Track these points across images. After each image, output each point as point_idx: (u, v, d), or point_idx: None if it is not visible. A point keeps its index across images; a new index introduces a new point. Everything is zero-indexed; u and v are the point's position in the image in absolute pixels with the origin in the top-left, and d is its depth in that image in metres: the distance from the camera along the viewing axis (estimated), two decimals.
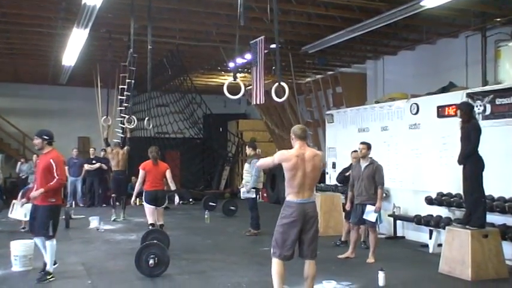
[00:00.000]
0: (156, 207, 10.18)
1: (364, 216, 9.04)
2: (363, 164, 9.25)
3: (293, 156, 5.93)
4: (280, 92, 7.92)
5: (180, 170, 22.85)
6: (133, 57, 12.13)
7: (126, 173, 14.63)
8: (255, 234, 11.87)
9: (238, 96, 8.40)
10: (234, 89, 7.97)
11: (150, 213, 10.16)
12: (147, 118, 12.99)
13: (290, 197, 5.99)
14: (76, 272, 8.28)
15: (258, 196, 12.35)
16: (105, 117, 15.50)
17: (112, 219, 13.85)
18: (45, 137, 7.69)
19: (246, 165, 12.26)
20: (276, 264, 6.00)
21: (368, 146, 9.33)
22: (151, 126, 13.08)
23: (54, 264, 7.78)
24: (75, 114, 21.99)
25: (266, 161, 6.60)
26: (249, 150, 12.18)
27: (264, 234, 11.39)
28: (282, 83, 7.89)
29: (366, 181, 9.09)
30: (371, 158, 9.31)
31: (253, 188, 11.88)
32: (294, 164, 5.90)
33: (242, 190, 12.19)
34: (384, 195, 11.18)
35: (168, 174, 10.41)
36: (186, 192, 19.73)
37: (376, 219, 9.04)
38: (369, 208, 8.99)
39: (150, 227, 10.00)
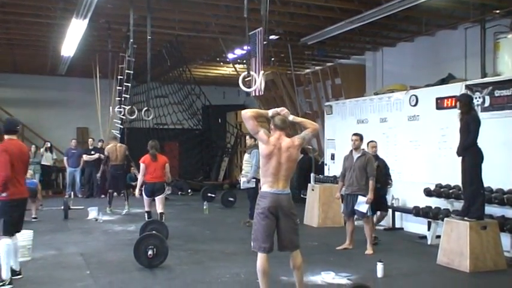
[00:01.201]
0: (154, 198, 10.80)
1: (355, 207, 9.09)
2: (355, 155, 9.32)
3: (271, 144, 5.86)
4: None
5: (178, 161, 22.90)
6: (132, 48, 12.11)
7: (124, 167, 14.40)
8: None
9: (252, 89, 8.43)
10: (235, 80, 7.98)
11: (147, 204, 10.97)
12: (145, 109, 12.98)
13: (264, 187, 5.92)
14: (75, 262, 8.29)
15: (258, 187, 12.34)
16: (114, 107, 15.57)
17: (107, 211, 13.70)
18: (2, 126, 7.12)
19: (246, 156, 12.20)
20: (259, 259, 5.83)
21: (361, 137, 9.43)
22: (151, 117, 13.06)
23: (18, 275, 7.04)
24: (74, 105, 21.93)
25: (254, 124, 6.05)
26: (249, 141, 12.18)
27: None
28: (252, 73, 7.91)
29: (357, 172, 9.15)
30: (363, 149, 9.44)
31: (253, 178, 11.87)
32: (270, 152, 5.84)
33: (242, 180, 12.11)
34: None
35: (167, 167, 10.98)
36: (184, 183, 19.79)
37: (367, 211, 9.08)
38: (360, 199, 9.04)
39: (146, 214, 10.94)
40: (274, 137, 5.95)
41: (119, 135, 17.48)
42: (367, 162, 9.17)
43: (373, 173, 9.16)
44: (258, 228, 5.85)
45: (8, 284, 6.70)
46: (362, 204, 9.02)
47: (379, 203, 9.89)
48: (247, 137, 12.58)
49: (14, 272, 6.97)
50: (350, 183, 9.25)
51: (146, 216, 10.93)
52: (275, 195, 5.82)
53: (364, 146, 9.82)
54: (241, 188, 12.44)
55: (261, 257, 5.82)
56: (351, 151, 9.45)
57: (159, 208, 10.75)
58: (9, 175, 6.65)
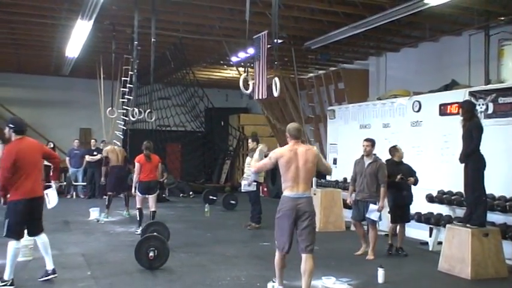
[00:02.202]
0: (148, 195, 11.23)
1: (367, 215, 9.05)
2: (367, 160, 9.25)
3: (286, 151, 6.26)
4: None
5: (181, 162, 22.94)
6: (137, 49, 12.12)
7: (125, 168, 14.01)
8: (255, 228, 11.93)
9: (249, 91, 8.46)
10: (238, 83, 7.99)
11: (140, 201, 11.28)
12: (148, 111, 12.95)
13: (285, 192, 6.26)
14: (76, 263, 8.30)
15: (259, 190, 12.37)
16: (110, 108, 15.54)
17: (102, 218, 12.94)
18: (11, 125, 7.00)
19: (248, 159, 12.31)
20: (277, 256, 6.36)
21: (372, 143, 9.32)
22: (153, 119, 13.04)
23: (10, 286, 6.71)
24: (78, 106, 21.99)
25: (264, 163, 6.67)
26: (252, 144, 12.26)
27: (264, 229, 11.43)
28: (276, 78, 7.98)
29: (368, 178, 9.08)
30: (375, 155, 9.32)
31: (254, 182, 11.94)
32: (288, 159, 6.19)
33: (243, 183, 12.24)
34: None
35: (160, 167, 12.07)
36: (185, 185, 19.79)
37: (379, 218, 9.07)
38: (372, 207, 8.98)
39: (138, 211, 11.29)
40: (289, 146, 6.37)
41: (122, 137, 17.52)
42: (378, 168, 9.07)
43: (384, 180, 9.04)
44: (278, 230, 6.30)
45: (10, 285, 6.67)
46: (374, 212, 8.97)
47: (404, 214, 9.47)
48: (250, 140, 12.68)
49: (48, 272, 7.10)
50: (361, 190, 9.20)
51: (138, 213, 11.29)
52: (294, 199, 6.18)
53: (381, 151, 9.76)
54: (242, 190, 12.53)
55: (279, 255, 6.35)
56: (362, 156, 9.39)
57: (152, 206, 11.21)
58: (8, 178, 6.65)
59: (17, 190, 6.71)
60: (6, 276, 6.72)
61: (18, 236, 6.80)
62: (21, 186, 6.72)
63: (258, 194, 12.27)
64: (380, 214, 9.01)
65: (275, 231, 6.34)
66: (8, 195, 6.79)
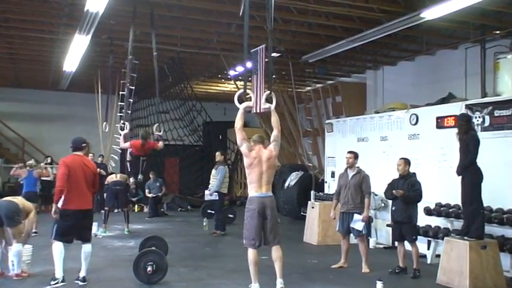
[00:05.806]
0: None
1: (351, 225, 9.07)
2: (350, 172, 9.34)
3: (252, 157, 7.10)
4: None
5: (179, 176, 22.88)
6: (133, 63, 12.11)
7: (125, 183, 13.51)
8: (220, 235, 12.73)
9: (244, 105, 8.43)
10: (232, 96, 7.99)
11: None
12: (156, 124, 12.81)
13: (251, 192, 7.17)
14: (74, 278, 8.24)
15: (222, 200, 13.12)
16: (104, 123, 15.50)
17: (100, 232, 12.67)
18: (70, 144, 8.07)
19: (213, 171, 12.97)
20: (250, 253, 7.08)
21: (355, 155, 9.45)
22: (161, 131, 12.90)
23: (53, 281, 7.48)
24: (75, 120, 21.94)
25: (239, 134, 7.26)
26: (219, 157, 13.19)
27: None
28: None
29: (352, 189, 9.15)
30: (358, 167, 9.41)
31: (216, 192, 12.65)
32: (251, 163, 7.09)
33: (206, 193, 13.11)
34: (383, 205, 11.27)
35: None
36: (183, 199, 19.71)
37: (363, 229, 9.05)
38: (356, 217, 9.03)
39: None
40: (255, 151, 7.20)
41: (120, 151, 17.47)
42: (362, 180, 9.17)
43: (368, 191, 9.16)
44: (249, 228, 7.13)
45: (61, 282, 7.47)
46: (358, 222, 9.01)
47: (396, 232, 9.10)
48: (217, 153, 13.46)
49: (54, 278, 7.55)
50: (345, 202, 9.25)
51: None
52: (261, 198, 7.08)
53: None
54: (205, 199, 13.70)
55: (252, 252, 7.07)
56: (346, 169, 9.52)
57: None
58: (64, 186, 7.44)
59: (66, 200, 7.52)
60: (57, 275, 7.50)
61: (63, 240, 7.55)
62: (69, 197, 7.53)
63: (221, 203, 13.06)
64: (365, 225, 8.99)
65: (245, 229, 7.16)
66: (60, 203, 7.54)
